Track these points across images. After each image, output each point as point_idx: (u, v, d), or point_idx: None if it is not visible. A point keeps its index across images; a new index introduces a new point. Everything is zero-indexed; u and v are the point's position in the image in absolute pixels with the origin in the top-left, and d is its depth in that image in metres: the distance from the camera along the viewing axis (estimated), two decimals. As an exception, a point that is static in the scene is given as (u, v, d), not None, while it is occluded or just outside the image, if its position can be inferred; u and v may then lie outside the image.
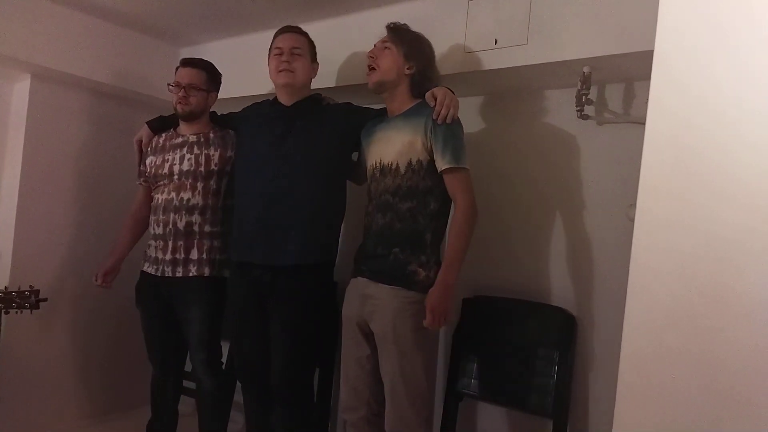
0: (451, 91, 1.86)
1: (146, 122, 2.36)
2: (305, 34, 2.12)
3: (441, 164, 1.78)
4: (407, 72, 1.88)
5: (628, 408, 0.96)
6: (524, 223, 2.16)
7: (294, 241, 1.98)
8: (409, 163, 1.82)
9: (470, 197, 1.79)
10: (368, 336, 1.89)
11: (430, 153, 1.80)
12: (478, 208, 1.82)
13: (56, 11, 2.47)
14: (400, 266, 1.81)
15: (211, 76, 2.26)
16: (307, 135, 2.03)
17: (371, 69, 1.91)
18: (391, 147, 1.86)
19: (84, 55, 2.57)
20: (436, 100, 1.80)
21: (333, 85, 2.35)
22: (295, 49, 2.05)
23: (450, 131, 1.79)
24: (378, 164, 1.90)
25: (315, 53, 2.13)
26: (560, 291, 2.06)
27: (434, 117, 1.78)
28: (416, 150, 1.81)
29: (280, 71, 2.04)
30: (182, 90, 2.18)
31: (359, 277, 1.92)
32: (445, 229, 1.90)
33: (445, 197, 1.85)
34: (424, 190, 1.82)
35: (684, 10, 0.95)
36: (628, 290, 0.97)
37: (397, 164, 1.84)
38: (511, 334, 2.05)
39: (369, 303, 1.86)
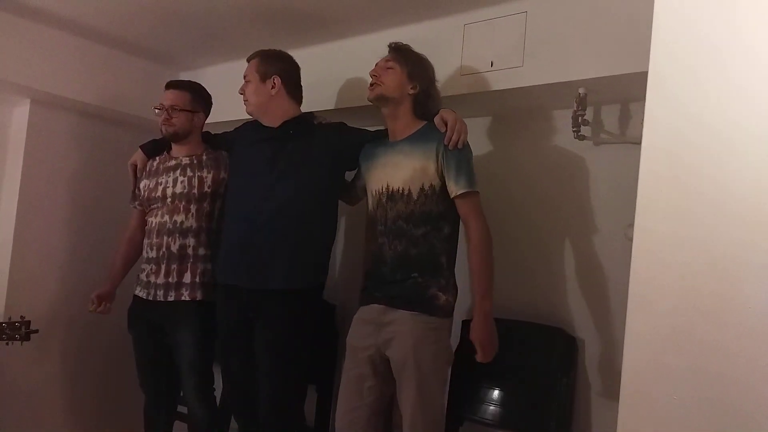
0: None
1: (140, 146, 2.36)
2: (255, 56, 2.10)
3: (455, 190, 1.78)
4: (411, 92, 1.87)
5: (631, 426, 0.95)
6: (523, 243, 2.15)
7: (281, 264, 1.96)
8: (422, 189, 1.80)
9: (484, 221, 1.79)
10: (377, 366, 1.83)
11: (443, 178, 1.80)
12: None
13: (56, 37, 2.50)
14: (420, 291, 1.78)
15: (197, 97, 2.26)
16: (297, 156, 2.01)
17: (374, 84, 1.89)
18: (400, 172, 1.84)
19: (83, 80, 2.60)
20: (446, 124, 1.80)
21: (331, 107, 2.37)
22: (245, 77, 2.10)
23: (462, 156, 1.80)
24: (385, 190, 1.87)
25: (269, 70, 2.06)
26: (560, 312, 2.05)
27: (446, 143, 1.78)
28: (429, 175, 1.80)
29: (244, 101, 2.10)
30: (165, 112, 2.20)
31: (373, 305, 1.86)
32: (456, 250, 1.88)
33: (456, 220, 1.84)
34: (438, 215, 1.81)
35: (677, 31, 0.97)
36: (628, 309, 0.97)
37: (409, 190, 1.81)
38: (512, 356, 2.01)
39: (386, 330, 1.80)
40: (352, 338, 1.91)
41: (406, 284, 1.79)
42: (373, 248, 1.91)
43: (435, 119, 1.84)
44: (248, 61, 2.12)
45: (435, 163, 1.79)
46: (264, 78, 2.06)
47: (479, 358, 1.72)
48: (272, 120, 2.08)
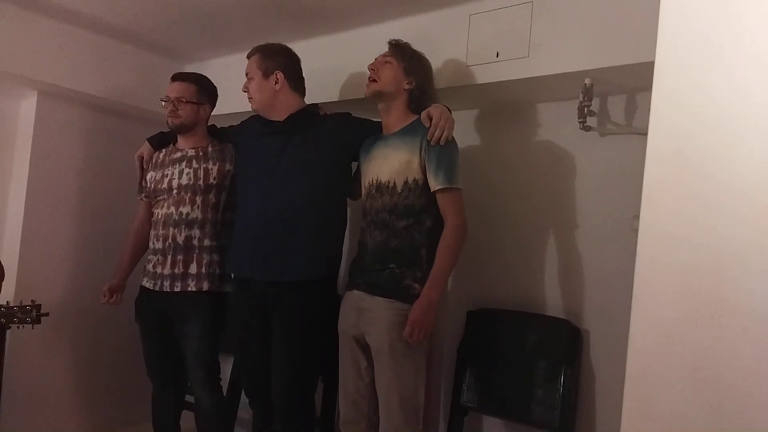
0: (447, 108, 1.87)
1: (147, 139, 2.38)
2: (255, 53, 2.09)
3: (434, 185, 1.81)
4: (406, 87, 1.91)
5: (635, 421, 0.95)
6: (529, 234, 2.15)
7: (295, 256, 1.97)
8: (406, 182, 1.84)
9: (461, 217, 1.82)
10: (365, 348, 1.89)
11: (425, 172, 1.83)
12: (469, 226, 1.85)
13: (62, 29, 2.50)
14: (396, 280, 1.82)
15: (202, 89, 2.27)
16: (304, 149, 2.02)
17: (372, 80, 1.92)
18: (388, 165, 1.88)
19: (90, 72, 2.60)
20: (431, 120, 1.81)
21: (335, 99, 2.37)
22: (247, 74, 2.10)
23: (444, 152, 1.81)
24: (374, 182, 1.91)
25: (271, 66, 2.06)
26: (565, 303, 2.05)
27: (428, 138, 1.80)
28: (412, 169, 1.83)
29: (249, 99, 2.10)
30: (171, 104, 2.21)
31: (354, 291, 1.93)
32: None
33: (439, 214, 1.86)
34: (420, 209, 1.84)
35: (683, 24, 0.96)
36: (634, 300, 0.97)
37: (394, 183, 1.85)
38: (516, 347, 2.03)
39: (365, 316, 1.86)
40: (341, 323, 1.97)
41: (383, 273, 1.84)
42: (360, 238, 1.97)
43: (421, 114, 1.86)
44: (248, 57, 2.12)
45: (418, 158, 1.82)
46: (266, 74, 2.06)
47: (405, 333, 1.75)
48: (278, 114, 2.08)
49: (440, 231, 1.87)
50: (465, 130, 2.24)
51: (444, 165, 1.80)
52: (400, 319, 1.78)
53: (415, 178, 1.83)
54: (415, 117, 1.91)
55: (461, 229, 1.81)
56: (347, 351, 1.94)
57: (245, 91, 2.10)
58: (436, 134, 1.79)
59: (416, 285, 1.81)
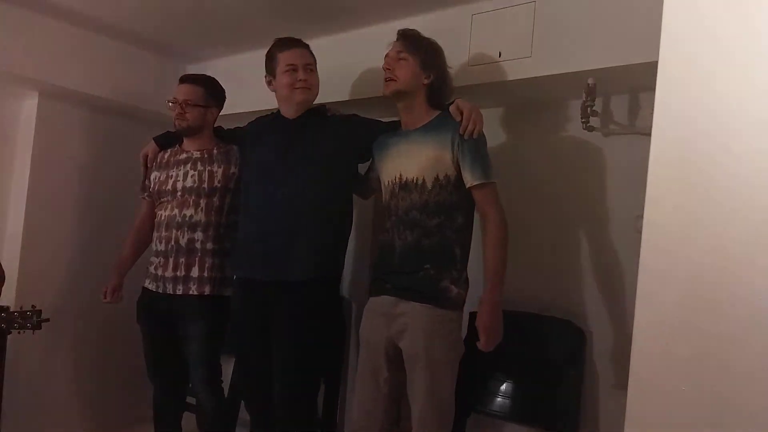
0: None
1: (153, 138, 2.38)
2: (306, 45, 2.09)
3: (471, 180, 1.76)
4: (425, 82, 1.84)
5: (639, 423, 0.95)
6: (531, 235, 2.14)
7: (299, 257, 1.96)
8: (437, 179, 1.78)
9: (501, 211, 1.77)
10: (391, 358, 1.83)
11: (458, 168, 1.77)
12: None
13: (63, 29, 2.51)
14: (432, 283, 1.76)
15: (210, 92, 2.26)
16: (311, 148, 2.01)
17: (389, 80, 1.85)
18: (414, 162, 1.82)
19: (91, 73, 2.61)
20: (462, 114, 1.78)
21: (344, 98, 2.36)
22: (309, 65, 2.05)
23: (477, 146, 1.77)
24: (398, 179, 1.85)
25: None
26: (569, 304, 2.04)
27: (461, 132, 1.75)
28: (444, 165, 1.78)
29: (296, 88, 2.02)
30: (179, 106, 2.20)
31: (383, 296, 1.85)
32: (470, 243, 1.86)
33: (470, 211, 1.82)
34: (452, 205, 1.79)
35: (687, 20, 0.95)
36: (637, 301, 0.96)
37: (423, 179, 1.79)
38: (520, 348, 2.02)
39: (398, 322, 1.79)
40: (365, 330, 1.90)
41: (417, 276, 1.77)
42: (383, 238, 1.90)
43: (450, 108, 1.82)
44: (303, 47, 2.05)
45: (450, 153, 1.77)
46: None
47: (481, 345, 1.71)
48: (295, 112, 2.07)
49: (470, 228, 1.84)
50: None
51: (479, 160, 1.75)
52: (438, 326, 1.73)
53: (447, 174, 1.78)
54: (437, 112, 1.86)
55: (504, 222, 1.76)
56: (367, 360, 1.87)
57: (303, 79, 2.01)
58: (470, 128, 1.75)
59: (453, 287, 1.76)
